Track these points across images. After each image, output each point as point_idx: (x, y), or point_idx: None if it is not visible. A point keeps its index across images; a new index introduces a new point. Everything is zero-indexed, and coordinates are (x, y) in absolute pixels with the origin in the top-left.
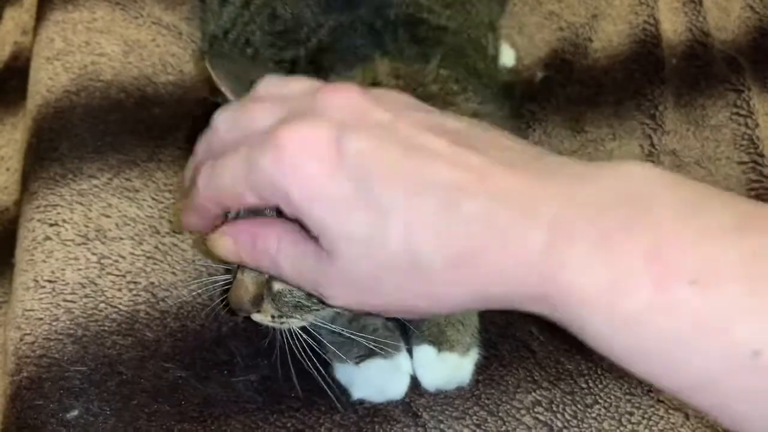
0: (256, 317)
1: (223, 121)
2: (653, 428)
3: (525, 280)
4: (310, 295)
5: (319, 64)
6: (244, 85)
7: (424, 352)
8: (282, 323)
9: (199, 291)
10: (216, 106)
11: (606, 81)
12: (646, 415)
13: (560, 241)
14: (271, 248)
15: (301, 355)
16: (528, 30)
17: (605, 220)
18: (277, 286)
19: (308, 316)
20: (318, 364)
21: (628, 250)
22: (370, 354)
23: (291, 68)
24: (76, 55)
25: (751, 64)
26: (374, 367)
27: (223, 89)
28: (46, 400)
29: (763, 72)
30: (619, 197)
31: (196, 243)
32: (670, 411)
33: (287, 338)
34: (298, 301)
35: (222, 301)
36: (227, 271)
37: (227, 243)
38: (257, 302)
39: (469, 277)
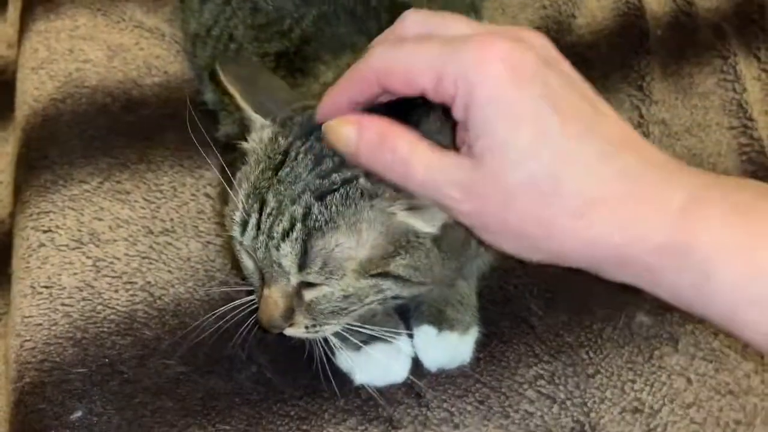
0: (290, 332)
1: (413, 16)
2: (656, 394)
3: (648, 234)
4: (346, 297)
5: (305, 54)
6: (252, 88)
7: (425, 332)
8: (317, 332)
9: (196, 287)
10: (203, 106)
11: (592, 56)
12: (648, 382)
13: (697, 205)
14: (402, 149)
15: (319, 349)
16: (511, 10)
17: (734, 196)
18: (309, 295)
19: (344, 320)
20: (320, 353)
21: (761, 216)
22: (370, 339)
23: (276, 61)
24: (61, 63)
25: (735, 30)
26: (375, 351)
27: (233, 92)
28: (49, 403)
29: (747, 37)
30: (738, 184)
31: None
32: (673, 377)
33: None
34: (336, 306)
35: (251, 322)
36: (248, 293)
37: (349, 132)
38: (289, 316)
39: (597, 220)
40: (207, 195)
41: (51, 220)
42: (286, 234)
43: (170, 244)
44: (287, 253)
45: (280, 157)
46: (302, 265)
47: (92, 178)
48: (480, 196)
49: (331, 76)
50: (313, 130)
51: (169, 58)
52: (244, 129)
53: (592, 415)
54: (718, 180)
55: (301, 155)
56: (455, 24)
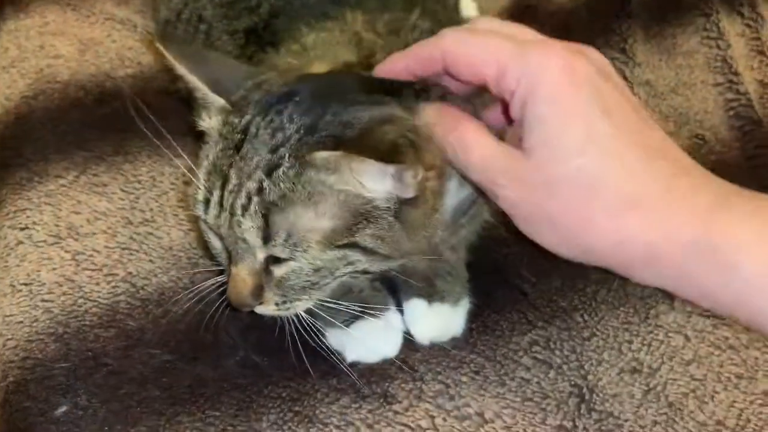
0: (260, 309)
1: (486, 19)
2: (654, 353)
3: (678, 232)
4: (317, 270)
5: (274, 28)
6: (202, 64)
7: (415, 305)
8: (288, 309)
9: (179, 276)
10: (177, 94)
11: (573, 22)
12: (645, 342)
13: (723, 207)
14: (468, 136)
15: (292, 328)
16: None
17: (757, 201)
18: (278, 272)
19: (316, 295)
20: (308, 333)
21: None
22: (359, 315)
23: (246, 38)
24: (31, 60)
25: None
26: (365, 327)
27: (181, 70)
28: (33, 401)
29: None
30: (760, 194)
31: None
32: (670, 334)
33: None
34: (307, 280)
35: (223, 302)
36: (220, 273)
37: (434, 111)
38: (258, 293)
39: (632, 219)
40: (187, 183)
41: (28, 217)
42: (245, 208)
43: (151, 233)
44: (249, 227)
45: (240, 135)
46: (266, 238)
47: (68, 173)
48: (525, 185)
49: (311, 41)
50: (271, 105)
51: (142, 49)
52: (200, 109)
53: (590, 377)
54: (741, 189)
55: (260, 130)
56: (523, 32)
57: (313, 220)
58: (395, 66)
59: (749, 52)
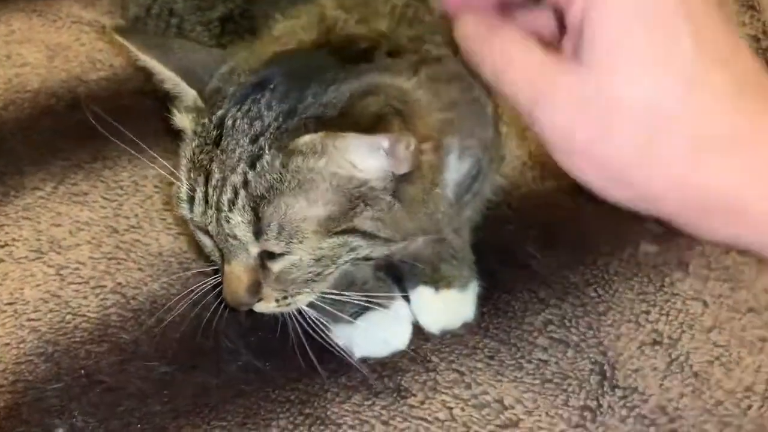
0: (259, 307)
1: None
2: (673, 323)
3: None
4: (318, 260)
5: (251, 14)
6: (170, 53)
7: (422, 293)
8: (288, 304)
9: (171, 282)
10: (154, 94)
11: None
12: (663, 311)
13: None
14: (509, 45)
15: (296, 325)
16: None
17: None
18: (277, 266)
19: (319, 287)
20: (313, 330)
21: None
22: (365, 308)
23: (222, 26)
24: None
25: None
26: (372, 320)
27: (148, 61)
28: (27, 425)
29: None
30: None
31: None
32: (688, 302)
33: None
34: (309, 272)
35: (220, 304)
36: (215, 272)
37: (466, 23)
38: (255, 290)
39: (710, 161)
40: (172, 185)
41: (6, 233)
42: (232, 203)
43: (138, 240)
44: (238, 223)
45: (216, 130)
46: (257, 233)
47: (45, 184)
48: (579, 107)
49: (281, 28)
50: (248, 95)
51: (114, 51)
52: (171, 103)
53: (610, 353)
54: None
55: (238, 122)
56: None
57: (306, 209)
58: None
59: (740, 8)
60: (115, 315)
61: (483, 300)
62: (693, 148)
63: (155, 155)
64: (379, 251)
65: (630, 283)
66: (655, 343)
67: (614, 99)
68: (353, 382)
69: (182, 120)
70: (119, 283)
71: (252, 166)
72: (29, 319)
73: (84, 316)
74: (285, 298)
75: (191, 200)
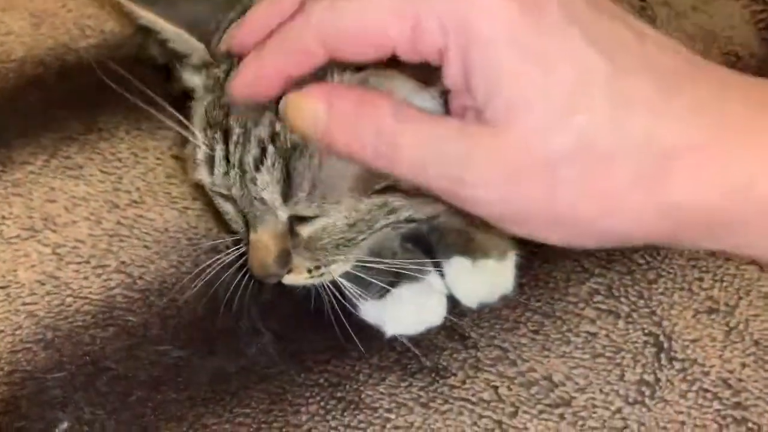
0: (289, 279)
1: None
2: (728, 289)
3: (749, 184)
4: (352, 225)
5: None
6: (171, 6)
7: (458, 264)
8: (322, 275)
9: (181, 260)
10: (151, 61)
11: None
12: (716, 277)
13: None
14: (385, 120)
15: (330, 297)
16: None
17: None
18: (306, 231)
19: (353, 253)
20: (339, 307)
21: None
22: (395, 282)
23: None
24: None
25: None
26: (404, 295)
27: (149, 17)
28: (27, 420)
29: None
30: None
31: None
32: (741, 267)
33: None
34: (341, 237)
35: (236, 280)
36: (236, 243)
37: (317, 108)
38: (285, 260)
39: (678, 178)
40: (175, 157)
41: None
42: (259, 162)
43: (141, 216)
44: (266, 184)
45: (227, 81)
46: (287, 195)
47: (35, 158)
48: (507, 176)
49: None
50: None
51: (103, 16)
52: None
53: (665, 323)
54: None
55: None
56: None
57: (342, 162)
58: (261, 78)
59: None
60: (120, 296)
61: (521, 270)
62: (651, 170)
63: (157, 126)
64: (422, 211)
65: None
66: (711, 311)
67: (548, 151)
68: (386, 362)
69: (191, 78)
70: (123, 262)
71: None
72: (24, 303)
73: (86, 298)
74: (318, 268)
75: (210, 161)
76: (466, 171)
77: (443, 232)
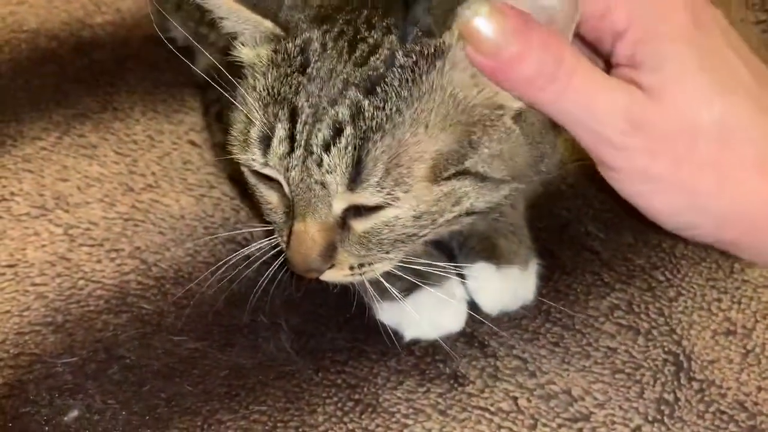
0: (329, 275)
1: None
2: (746, 311)
3: None
4: (417, 217)
5: None
6: None
7: (483, 270)
8: (363, 273)
9: (197, 249)
10: (171, 42)
11: None
12: (735, 299)
13: None
14: (565, 61)
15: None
16: None
17: None
18: (362, 226)
19: (402, 252)
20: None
21: None
22: (415, 286)
23: None
24: None
25: None
26: (423, 299)
27: None
28: (34, 405)
29: None
30: None
31: None
32: (759, 290)
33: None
34: (402, 233)
35: (268, 267)
36: (269, 233)
37: (499, 20)
38: (330, 254)
39: None
40: (191, 142)
41: (4, 186)
42: (329, 143)
43: (156, 201)
44: (334, 167)
45: (300, 56)
46: (354, 181)
47: (47, 134)
48: (654, 133)
49: None
50: (337, 17)
51: None
52: (231, 41)
53: (684, 343)
54: None
55: (329, 44)
56: None
57: (423, 143)
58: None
59: None
60: (134, 282)
61: (542, 281)
62: (762, 164)
63: (174, 109)
64: (483, 201)
65: (698, 268)
66: (729, 332)
67: (695, 121)
68: (404, 366)
69: (250, 53)
70: (138, 248)
71: (371, 91)
72: (34, 284)
73: (99, 282)
74: (362, 265)
75: (266, 141)
76: (619, 119)
77: (466, 236)
